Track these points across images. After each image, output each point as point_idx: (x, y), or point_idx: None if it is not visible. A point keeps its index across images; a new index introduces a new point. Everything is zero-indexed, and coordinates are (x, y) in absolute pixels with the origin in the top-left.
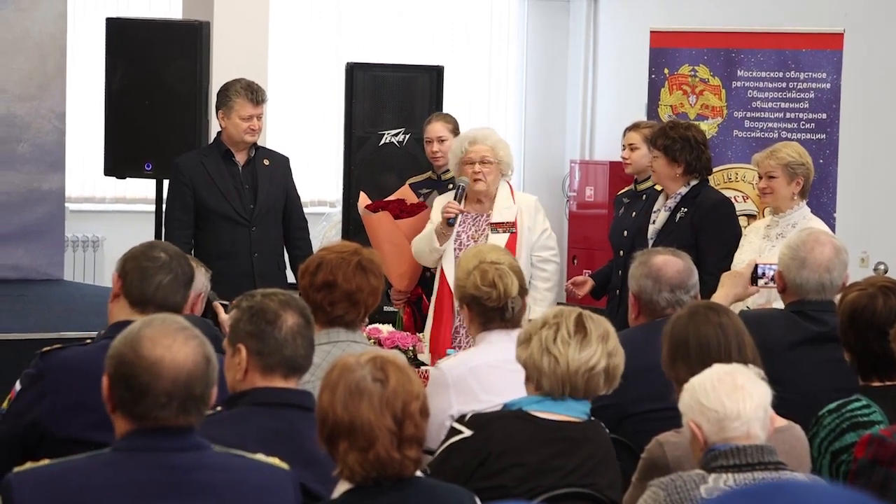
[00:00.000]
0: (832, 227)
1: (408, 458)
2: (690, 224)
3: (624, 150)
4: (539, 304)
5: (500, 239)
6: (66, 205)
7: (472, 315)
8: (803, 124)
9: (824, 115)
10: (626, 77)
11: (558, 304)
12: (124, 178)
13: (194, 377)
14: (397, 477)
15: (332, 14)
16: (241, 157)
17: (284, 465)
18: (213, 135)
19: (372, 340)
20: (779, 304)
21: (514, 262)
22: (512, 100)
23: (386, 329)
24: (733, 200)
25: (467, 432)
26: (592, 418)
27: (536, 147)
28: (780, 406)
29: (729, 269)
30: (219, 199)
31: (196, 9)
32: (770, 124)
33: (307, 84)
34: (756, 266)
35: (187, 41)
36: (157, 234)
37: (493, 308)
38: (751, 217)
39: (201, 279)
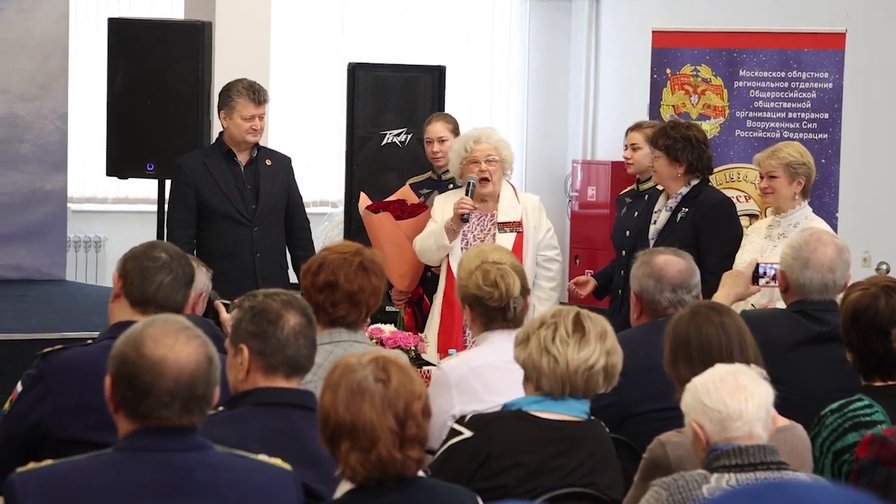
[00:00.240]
0: (834, 227)
1: (410, 458)
2: (692, 224)
3: (626, 150)
4: (543, 304)
5: (508, 238)
6: (69, 205)
7: (474, 315)
8: (805, 124)
9: (826, 115)
10: (628, 77)
11: (561, 303)
12: (126, 178)
13: (197, 377)
14: (399, 477)
15: (334, 14)
16: (243, 158)
17: (287, 466)
18: (215, 135)
19: (374, 340)
20: (780, 304)
21: (516, 261)
22: (514, 100)
23: (388, 329)
24: (735, 200)
25: (467, 433)
26: (592, 417)
27: (538, 147)
28: (782, 406)
29: (730, 268)
30: (221, 199)
31: (198, 9)
32: (772, 124)
33: (309, 84)
34: (757, 265)
35: (189, 41)
36: (160, 235)
37: (495, 308)
38: (753, 217)
39: (202, 279)
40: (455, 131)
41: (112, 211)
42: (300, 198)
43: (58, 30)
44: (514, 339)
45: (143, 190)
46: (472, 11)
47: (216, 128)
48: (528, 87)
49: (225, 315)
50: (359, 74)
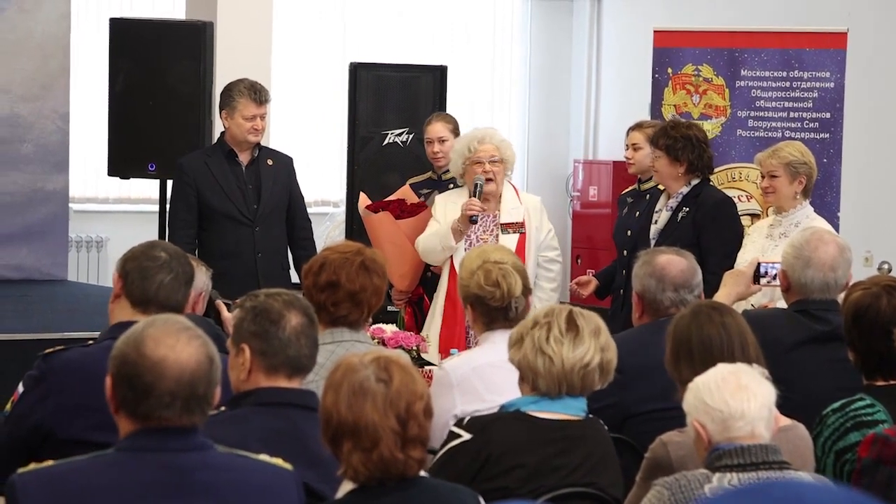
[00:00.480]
0: (836, 227)
1: (411, 458)
2: (692, 223)
3: (627, 149)
4: (544, 304)
5: (511, 239)
6: (70, 205)
7: (476, 315)
8: (807, 123)
9: (828, 115)
10: (629, 77)
11: (561, 303)
12: (128, 178)
13: (197, 376)
14: (401, 477)
15: (335, 14)
16: (244, 158)
17: (288, 466)
18: (216, 135)
19: (375, 340)
20: (782, 304)
21: (518, 261)
22: (515, 99)
23: (389, 329)
24: (737, 200)
25: (466, 436)
26: (591, 415)
27: (540, 147)
28: (783, 405)
29: (731, 268)
30: (222, 199)
31: (199, 9)
32: (774, 124)
33: (311, 84)
34: (759, 265)
35: (191, 41)
36: (161, 235)
37: (496, 308)
38: (754, 217)
39: (202, 278)
40: (455, 131)
41: (113, 211)
42: (302, 198)
43: (59, 30)
44: (508, 340)
45: (145, 190)
46: (473, 11)
47: (218, 128)
48: (529, 87)
49: (226, 315)
50: (360, 74)
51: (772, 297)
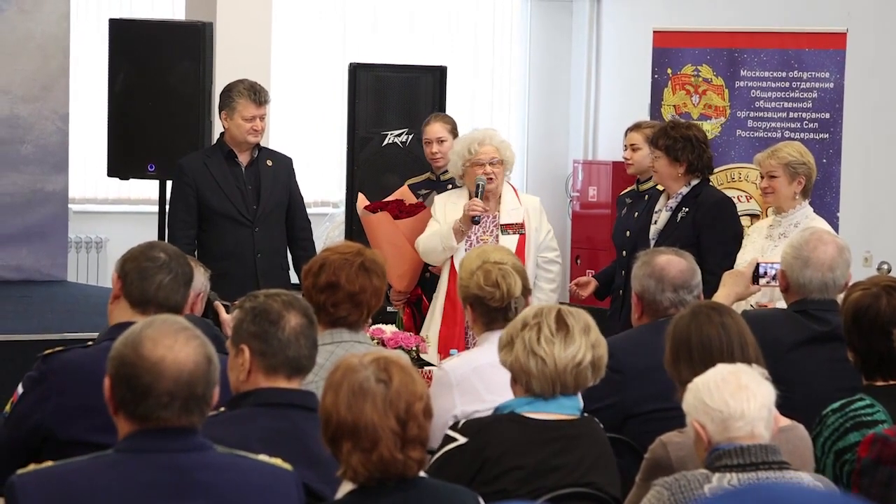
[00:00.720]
0: (835, 227)
1: (411, 458)
2: (692, 223)
3: (625, 150)
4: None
5: (511, 240)
6: (70, 206)
7: (476, 315)
8: (806, 124)
9: (827, 115)
10: (629, 77)
11: (561, 303)
12: (127, 178)
13: (196, 377)
14: (401, 478)
15: (335, 14)
16: (244, 158)
17: (287, 466)
18: (216, 136)
19: (375, 341)
20: (781, 304)
21: (518, 262)
22: (515, 100)
23: (389, 329)
24: (736, 200)
25: (462, 439)
26: (585, 414)
27: (539, 147)
28: (783, 405)
29: (731, 268)
30: (222, 199)
31: (199, 9)
32: (773, 124)
33: (310, 85)
34: (758, 265)
35: (190, 42)
36: (161, 235)
37: (496, 308)
38: (754, 217)
39: (200, 279)
40: (453, 132)
41: (113, 212)
42: (301, 198)
43: (59, 30)
44: (498, 342)
45: (144, 190)
46: (473, 11)
47: (217, 128)
48: (529, 88)
49: (225, 316)
50: (360, 75)
51: (771, 298)
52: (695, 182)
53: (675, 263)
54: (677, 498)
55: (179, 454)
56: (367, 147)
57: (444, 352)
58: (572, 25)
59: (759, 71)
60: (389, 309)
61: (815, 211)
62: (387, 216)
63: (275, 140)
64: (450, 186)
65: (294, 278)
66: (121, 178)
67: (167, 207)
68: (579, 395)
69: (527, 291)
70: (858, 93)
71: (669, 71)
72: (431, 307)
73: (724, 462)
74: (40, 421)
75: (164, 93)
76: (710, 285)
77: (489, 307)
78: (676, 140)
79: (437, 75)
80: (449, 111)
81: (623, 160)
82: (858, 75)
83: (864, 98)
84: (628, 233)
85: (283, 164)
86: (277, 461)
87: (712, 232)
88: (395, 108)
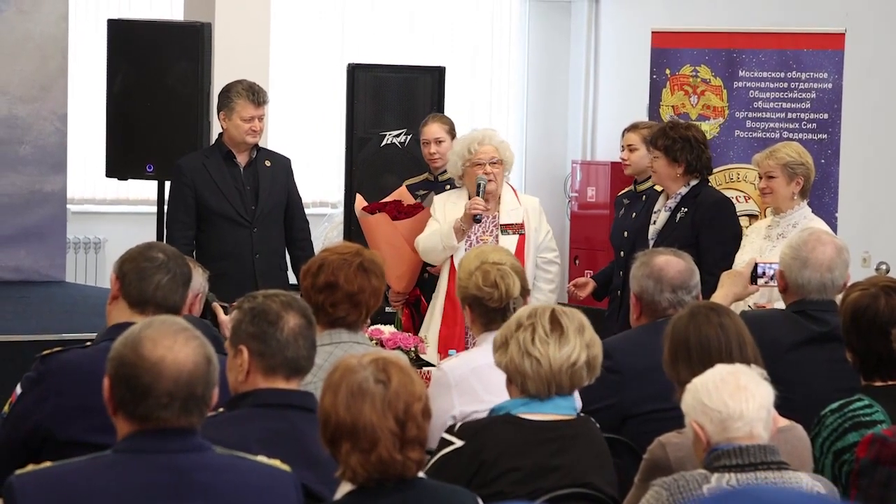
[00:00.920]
0: (834, 228)
1: (410, 459)
2: (691, 223)
3: (623, 150)
4: None
5: (511, 241)
6: (68, 206)
7: (474, 316)
8: (805, 124)
9: (826, 116)
10: (627, 77)
11: (559, 304)
12: (126, 179)
13: (195, 377)
14: (399, 478)
15: (333, 15)
16: (242, 159)
17: (286, 467)
18: (214, 136)
19: (374, 341)
20: (779, 304)
21: (516, 262)
22: (513, 100)
23: (388, 330)
24: (735, 201)
25: (458, 442)
26: (581, 414)
27: (538, 147)
28: (782, 406)
29: (729, 268)
30: (220, 200)
31: (197, 10)
32: (772, 124)
33: (309, 85)
34: (756, 265)
35: (189, 42)
36: (159, 236)
37: (494, 309)
38: (752, 217)
39: (198, 279)
40: (451, 132)
41: (112, 212)
42: (300, 199)
43: (57, 31)
44: (493, 343)
45: (143, 191)
46: (471, 12)
47: (216, 129)
48: (527, 88)
49: (223, 317)
50: (358, 75)
51: (769, 298)
52: (694, 182)
53: (674, 264)
54: (676, 498)
55: (178, 455)
56: (366, 147)
57: (444, 352)
58: (571, 26)
59: (758, 71)
60: (388, 309)
61: (813, 211)
62: (385, 217)
63: (273, 140)
64: (448, 187)
65: (292, 279)
66: (119, 179)
67: (165, 208)
68: (575, 395)
69: (525, 292)
70: (857, 93)
71: (668, 71)
72: (431, 307)
73: (722, 462)
74: (39, 421)
75: (163, 93)
76: (709, 285)
77: (488, 308)
78: (675, 140)
79: (436, 76)
80: (448, 112)
81: (620, 161)
82: (857, 76)
83: (863, 99)
84: (626, 233)
85: (282, 165)
86: (276, 462)
87: (711, 232)
88: (393, 108)
